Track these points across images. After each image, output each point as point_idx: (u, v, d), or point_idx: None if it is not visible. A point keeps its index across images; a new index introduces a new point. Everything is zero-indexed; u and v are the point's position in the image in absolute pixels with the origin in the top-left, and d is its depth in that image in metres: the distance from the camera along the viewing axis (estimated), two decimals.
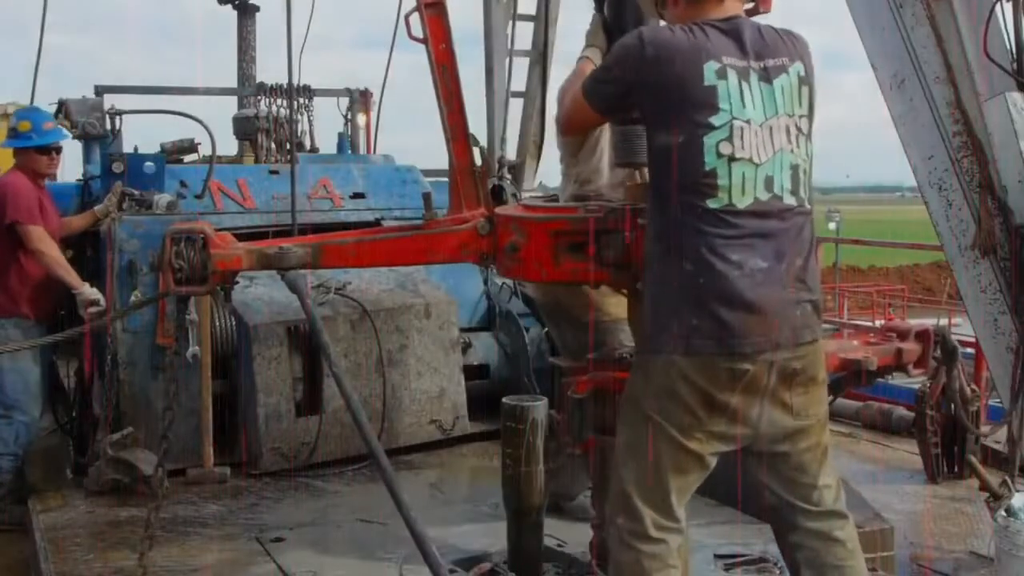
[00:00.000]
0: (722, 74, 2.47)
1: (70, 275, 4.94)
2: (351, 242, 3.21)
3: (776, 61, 2.55)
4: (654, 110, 2.54)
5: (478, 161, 3.15)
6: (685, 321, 2.48)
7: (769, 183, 2.50)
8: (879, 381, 3.86)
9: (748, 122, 2.48)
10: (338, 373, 2.88)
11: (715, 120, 2.46)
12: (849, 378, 3.57)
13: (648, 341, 2.61)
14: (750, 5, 2.76)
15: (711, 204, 2.46)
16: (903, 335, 3.79)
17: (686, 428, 2.52)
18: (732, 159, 2.46)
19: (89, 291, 4.91)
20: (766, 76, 2.52)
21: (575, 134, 3.46)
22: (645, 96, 2.54)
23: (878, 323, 15.56)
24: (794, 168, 2.55)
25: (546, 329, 5.31)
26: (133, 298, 4.93)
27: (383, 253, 3.23)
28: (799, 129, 2.57)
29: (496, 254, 2.98)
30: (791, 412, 2.58)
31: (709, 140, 2.45)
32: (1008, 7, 3.31)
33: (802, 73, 2.58)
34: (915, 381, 5.14)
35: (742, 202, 2.48)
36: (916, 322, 4.34)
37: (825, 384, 2.69)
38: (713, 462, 2.62)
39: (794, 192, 2.54)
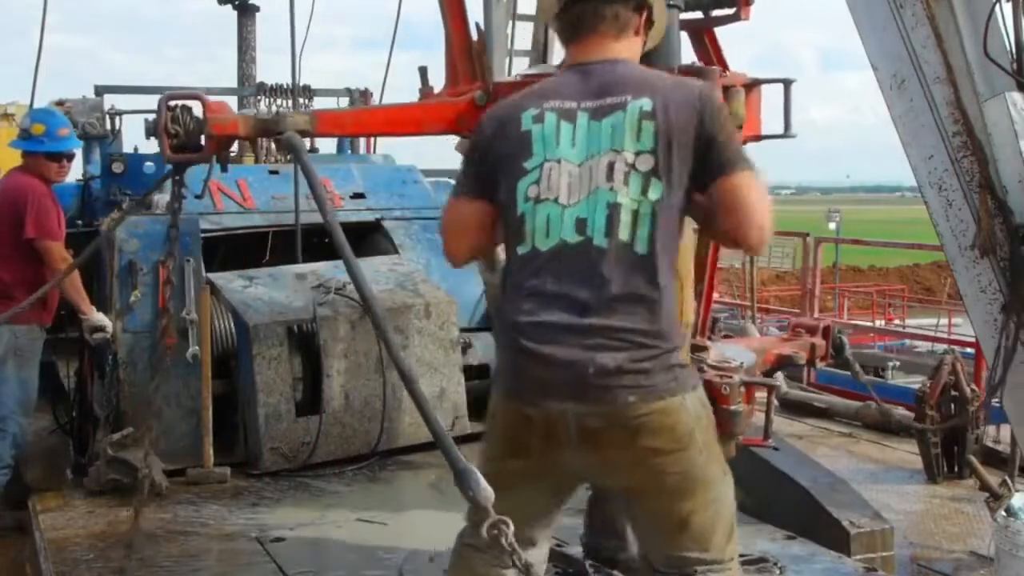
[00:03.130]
0: (539, 118, 2.40)
1: (82, 298, 4.96)
2: (348, 111, 3.21)
3: (616, 99, 2.39)
4: (493, 170, 2.47)
5: (474, 36, 3.12)
6: (500, 364, 2.50)
7: (581, 225, 2.32)
8: (879, 381, 3.90)
9: (559, 161, 2.36)
10: (383, 328, 2.74)
11: (528, 164, 2.38)
12: (778, 367, 3.81)
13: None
14: (730, 11, 2.71)
15: (520, 250, 2.39)
16: (811, 331, 3.95)
17: (501, 456, 2.49)
18: (538, 201, 2.36)
19: (96, 317, 4.94)
20: (597, 114, 2.38)
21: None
22: (489, 162, 2.49)
23: (878, 323, 15.61)
24: (613, 207, 2.31)
25: None
26: (133, 298, 4.94)
27: (379, 123, 3.22)
28: (631, 166, 2.33)
29: None
30: (606, 469, 2.40)
31: (522, 184, 2.38)
32: (1008, 7, 3.31)
33: (647, 108, 2.35)
34: (915, 381, 5.14)
35: (545, 244, 2.35)
36: (814, 319, 4.43)
37: (680, 456, 2.34)
38: (539, 495, 2.51)
39: (609, 234, 2.30)
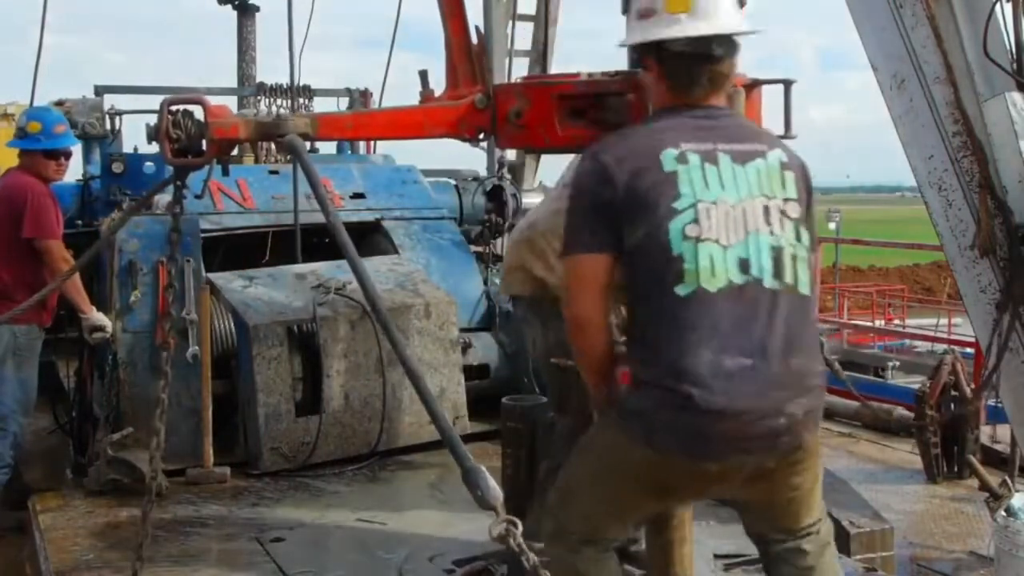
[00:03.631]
0: (682, 159, 2.36)
1: (82, 298, 4.95)
2: (349, 114, 3.21)
3: (751, 146, 2.43)
4: (624, 214, 2.37)
5: (474, 39, 3.12)
6: (649, 414, 2.34)
7: (744, 265, 2.32)
8: (877, 381, 3.88)
9: (715, 203, 2.34)
10: (386, 320, 2.71)
11: (677, 204, 2.32)
12: None
13: (615, 407, 2.46)
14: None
15: (679, 291, 2.30)
16: None
17: (633, 500, 2.48)
18: (699, 240, 2.31)
19: (96, 317, 4.94)
20: (738, 158, 2.39)
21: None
22: (617, 207, 2.37)
23: (878, 323, 15.60)
24: (776, 250, 2.35)
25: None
26: (133, 298, 4.94)
27: (379, 126, 3.21)
28: (783, 212, 2.39)
29: (497, 125, 2.93)
30: (767, 492, 2.48)
31: (675, 224, 2.31)
32: (1008, 7, 3.31)
33: (784, 159, 2.43)
34: (915, 381, 5.15)
35: (712, 285, 2.30)
36: None
37: (815, 454, 2.50)
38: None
39: (777, 276, 2.34)
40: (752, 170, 2.38)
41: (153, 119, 2.90)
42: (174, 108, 2.82)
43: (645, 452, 2.35)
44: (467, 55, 3.09)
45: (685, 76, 2.44)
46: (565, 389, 3.50)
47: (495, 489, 2.11)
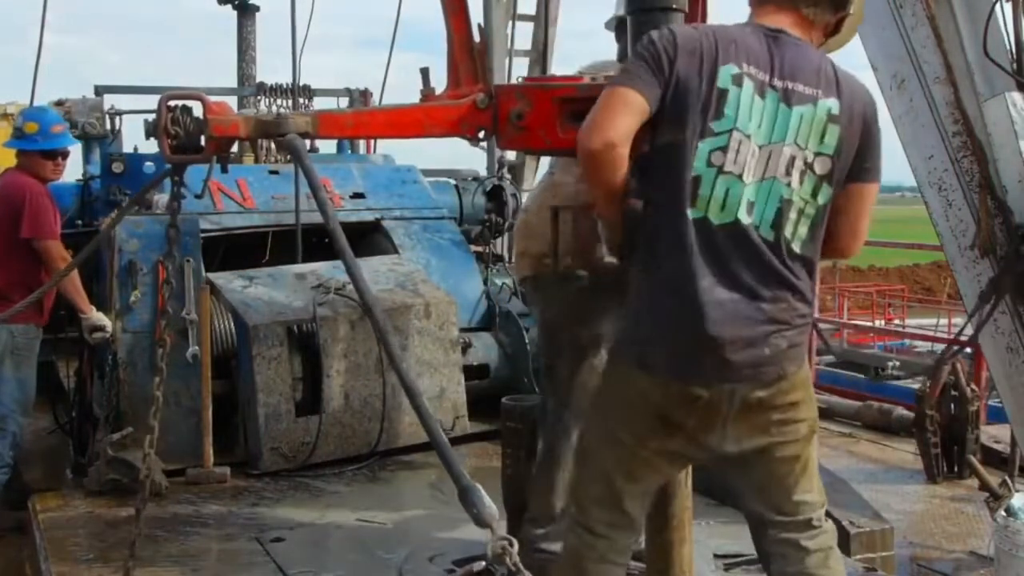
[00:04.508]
0: (738, 81, 2.31)
1: (81, 298, 4.96)
2: (349, 112, 3.23)
3: (806, 89, 2.36)
4: (665, 105, 2.34)
5: (476, 37, 3.12)
6: (645, 334, 2.41)
7: (749, 208, 2.33)
8: (878, 382, 3.87)
9: (748, 137, 2.31)
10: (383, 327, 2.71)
11: (715, 126, 2.30)
12: None
13: (615, 344, 2.59)
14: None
15: (691, 213, 2.32)
16: None
17: (640, 440, 2.47)
18: (721, 171, 2.31)
19: (96, 316, 4.95)
20: (787, 99, 2.34)
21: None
22: (664, 93, 2.34)
23: (878, 323, 15.60)
24: (784, 203, 2.35)
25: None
26: (133, 298, 4.94)
27: (380, 125, 3.20)
28: (808, 165, 2.36)
29: (497, 126, 2.93)
30: (760, 432, 2.46)
31: (704, 145, 2.30)
32: (1008, 7, 3.31)
33: (834, 111, 2.37)
34: (915, 381, 5.15)
35: (719, 218, 2.32)
36: None
37: (808, 403, 2.53)
38: (674, 471, 2.62)
39: (775, 227, 2.35)
40: (796, 115, 2.35)
41: (153, 119, 2.90)
42: (173, 104, 2.81)
43: (642, 380, 2.40)
44: (469, 53, 3.09)
45: None
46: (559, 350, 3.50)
47: (491, 507, 2.12)
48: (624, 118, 2.32)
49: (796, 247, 2.39)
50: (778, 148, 2.34)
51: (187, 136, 2.81)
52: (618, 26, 3.50)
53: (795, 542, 2.54)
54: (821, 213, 2.41)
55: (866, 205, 2.50)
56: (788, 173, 2.35)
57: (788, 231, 2.37)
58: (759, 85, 2.33)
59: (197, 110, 2.83)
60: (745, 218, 2.33)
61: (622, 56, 3.45)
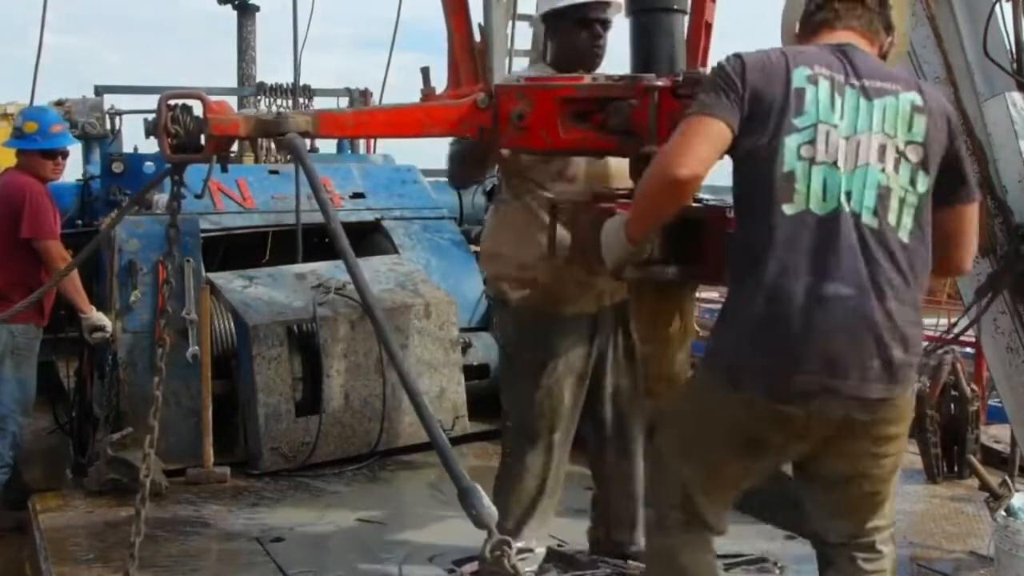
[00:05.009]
0: (813, 80, 2.30)
1: (81, 298, 4.96)
2: (350, 112, 3.27)
3: (884, 84, 2.33)
4: (744, 116, 2.31)
5: (476, 37, 3.12)
6: (735, 347, 2.30)
7: (847, 197, 2.26)
8: None
9: (835, 127, 2.28)
10: (382, 323, 2.70)
11: (799, 122, 2.27)
12: None
13: (704, 357, 2.41)
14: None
15: (787, 209, 2.23)
16: None
17: (722, 462, 2.40)
18: (813, 162, 2.25)
19: (96, 316, 4.95)
20: (867, 93, 2.31)
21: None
22: (741, 106, 2.32)
23: None
24: (883, 189, 2.27)
25: None
26: (133, 298, 4.94)
27: (380, 124, 3.20)
28: (901, 153, 2.30)
29: (498, 126, 2.93)
30: (852, 460, 2.37)
31: (791, 140, 2.26)
32: (1008, 7, 3.31)
33: (917, 103, 2.33)
34: (915, 381, 5.14)
35: (821, 208, 2.24)
36: None
37: (903, 439, 2.42)
38: (752, 483, 2.51)
39: (877, 215, 2.26)
40: (878, 106, 2.31)
41: (153, 118, 2.89)
42: (173, 103, 2.81)
43: (730, 398, 2.28)
44: (470, 52, 3.09)
45: (824, 19, 2.45)
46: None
47: (490, 508, 2.11)
48: (708, 150, 2.29)
49: (904, 237, 2.29)
50: (866, 137, 2.29)
51: (187, 135, 2.81)
52: (544, 21, 3.50)
53: (853, 560, 2.51)
54: (924, 202, 2.33)
55: (975, 224, 2.46)
56: (881, 160, 2.29)
57: (892, 219, 2.28)
58: (835, 83, 2.31)
59: (197, 109, 2.83)
60: (846, 206, 2.25)
61: (543, 54, 3.47)
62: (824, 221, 2.24)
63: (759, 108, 2.29)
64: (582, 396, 3.47)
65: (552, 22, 3.46)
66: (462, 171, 3.53)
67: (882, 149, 2.29)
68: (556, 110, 2.81)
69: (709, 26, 3.36)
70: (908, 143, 2.32)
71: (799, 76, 2.29)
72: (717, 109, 2.29)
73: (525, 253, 3.35)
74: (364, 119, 3.22)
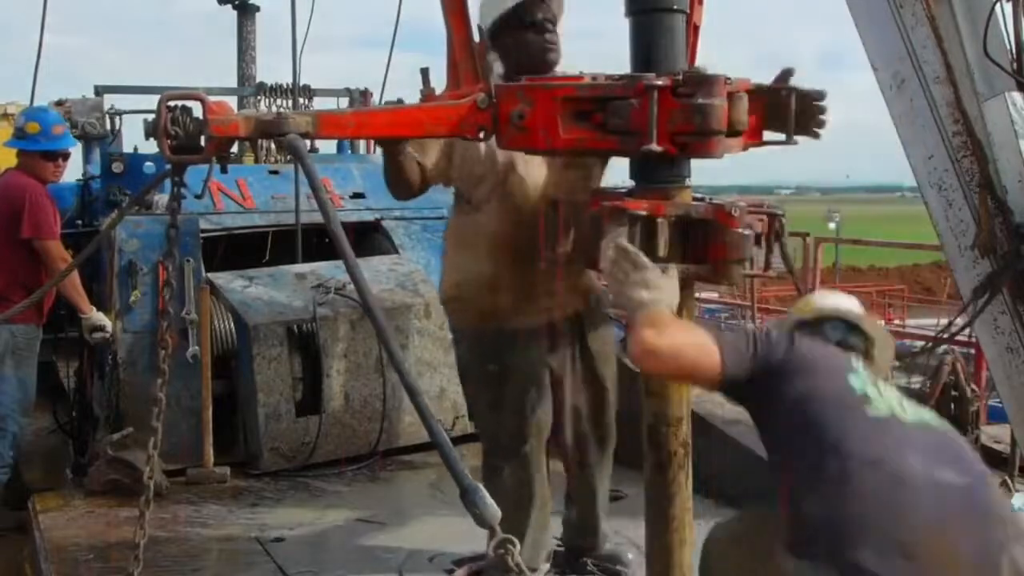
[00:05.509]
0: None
1: (81, 298, 4.97)
2: (349, 112, 3.33)
3: None
4: (788, 370, 2.24)
5: (476, 37, 3.12)
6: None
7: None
8: None
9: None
10: (380, 321, 2.69)
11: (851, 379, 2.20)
12: None
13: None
14: None
15: (871, 412, 2.13)
16: None
17: None
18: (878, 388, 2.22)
19: (96, 316, 4.96)
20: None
21: None
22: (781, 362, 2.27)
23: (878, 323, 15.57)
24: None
25: None
26: (133, 298, 4.94)
27: (380, 125, 3.20)
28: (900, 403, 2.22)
29: (498, 126, 2.93)
30: None
31: (851, 375, 2.21)
32: (1008, 7, 3.31)
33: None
34: (915, 381, 5.15)
35: (905, 417, 2.15)
36: None
37: None
38: None
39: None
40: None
41: (153, 119, 2.89)
42: (172, 104, 2.81)
43: None
44: (469, 52, 3.08)
45: None
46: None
47: (493, 507, 2.11)
48: (708, 362, 2.26)
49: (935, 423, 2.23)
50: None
51: (187, 136, 2.80)
52: (491, 39, 3.47)
53: None
54: None
55: None
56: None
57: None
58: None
59: (197, 110, 2.82)
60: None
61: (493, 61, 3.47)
62: (911, 426, 2.16)
63: (807, 363, 2.25)
64: (548, 406, 3.45)
65: (498, 37, 3.43)
66: (390, 187, 3.56)
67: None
68: (556, 110, 2.81)
69: (696, 28, 3.36)
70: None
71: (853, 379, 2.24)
72: (730, 353, 2.26)
73: (456, 273, 3.44)
74: (364, 119, 3.22)
